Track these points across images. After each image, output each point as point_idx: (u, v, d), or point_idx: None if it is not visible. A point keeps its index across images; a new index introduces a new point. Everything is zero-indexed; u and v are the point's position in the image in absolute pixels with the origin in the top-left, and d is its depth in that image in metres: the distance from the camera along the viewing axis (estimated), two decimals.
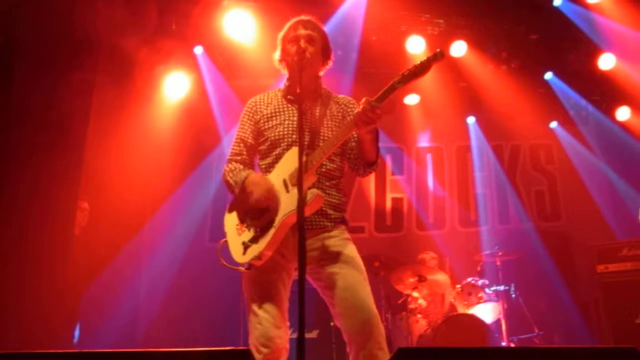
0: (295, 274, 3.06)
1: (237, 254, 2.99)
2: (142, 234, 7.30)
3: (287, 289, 3.02)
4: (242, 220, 3.05)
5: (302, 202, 2.54)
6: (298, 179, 2.59)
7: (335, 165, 3.15)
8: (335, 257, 3.00)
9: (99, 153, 5.73)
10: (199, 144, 7.89)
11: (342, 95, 3.36)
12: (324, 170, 3.09)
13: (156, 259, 7.45)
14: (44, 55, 4.61)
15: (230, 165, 3.21)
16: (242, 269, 2.96)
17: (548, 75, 8.08)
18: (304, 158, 2.75)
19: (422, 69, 2.79)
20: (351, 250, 3.06)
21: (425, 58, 2.81)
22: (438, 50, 2.80)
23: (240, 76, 7.50)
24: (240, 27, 6.52)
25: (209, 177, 8.03)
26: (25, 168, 4.41)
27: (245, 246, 2.96)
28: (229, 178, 3.15)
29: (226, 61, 7.34)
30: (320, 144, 3.01)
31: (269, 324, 2.90)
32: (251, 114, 3.28)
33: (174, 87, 7.26)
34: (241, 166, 3.18)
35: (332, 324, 5.43)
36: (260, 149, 3.23)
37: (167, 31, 6.43)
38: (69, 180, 4.70)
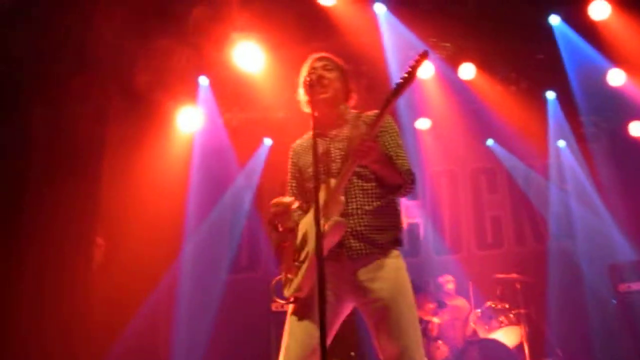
0: (349, 309, 3.08)
1: (285, 289, 3.02)
2: (158, 268, 7.29)
3: (328, 326, 2.90)
4: (289, 255, 3.09)
5: (319, 233, 2.52)
6: (315, 213, 2.58)
7: (374, 184, 3.08)
8: (382, 294, 2.92)
9: (114, 188, 5.77)
10: (215, 175, 7.91)
11: (371, 112, 3.26)
12: (362, 191, 3.05)
13: (173, 292, 7.43)
14: (59, 87, 4.67)
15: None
16: (286, 302, 3.01)
17: (550, 96, 8.07)
18: (332, 184, 2.88)
19: (411, 75, 2.80)
20: (401, 284, 2.97)
21: (412, 62, 2.82)
22: (423, 51, 2.83)
23: (252, 109, 7.55)
24: (251, 60, 6.58)
25: (225, 209, 8.05)
26: (42, 198, 4.44)
27: (289, 281, 3.00)
28: (269, 225, 3.19)
29: (238, 94, 7.40)
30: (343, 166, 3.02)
31: (295, 355, 2.88)
32: (291, 158, 3.37)
33: (187, 120, 7.30)
34: None
35: (352, 353, 5.36)
36: (308, 188, 3.22)
37: (178, 65, 6.49)
38: (87, 212, 4.73)
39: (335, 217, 2.84)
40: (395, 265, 3.01)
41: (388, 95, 2.85)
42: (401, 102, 7.69)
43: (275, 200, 3.07)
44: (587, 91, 7.78)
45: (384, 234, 3.04)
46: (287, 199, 3.07)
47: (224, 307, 7.23)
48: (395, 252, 3.06)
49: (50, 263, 4.30)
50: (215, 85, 7.27)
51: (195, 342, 7.22)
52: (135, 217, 6.26)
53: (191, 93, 7.11)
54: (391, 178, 3.02)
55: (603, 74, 7.51)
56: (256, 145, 8.04)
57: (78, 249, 4.53)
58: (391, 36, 6.79)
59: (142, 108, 6.32)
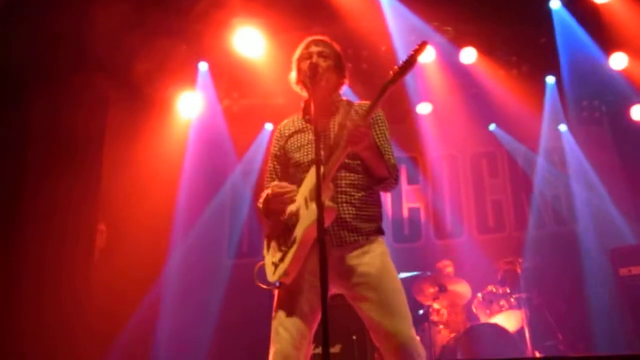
0: (334, 293, 3.08)
1: (269, 274, 3.02)
2: (160, 253, 7.31)
3: (314, 311, 2.97)
4: (273, 241, 3.08)
5: (321, 212, 2.53)
6: (316, 193, 2.59)
7: (361, 175, 3.11)
8: (369, 277, 2.96)
9: (115, 174, 5.77)
10: (215, 162, 7.91)
11: (363, 102, 3.32)
12: (348, 182, 3.08)
13: (175, 277, 7.46)
14: (58, 79, 4.66)
15: (262, 194, 3.26)
16: (271, 287, 3.00)
17: (550, 80, 8.06)
18: (323, 170, 2.80)
19: (409, 63, 2.83)
20: (386, 268, 3.02)
21: (411, 52, 2.83)
22: (422, 41, 2.85)
23: (252, 95, 7.53)
24: (251, 46, 6.54)
25: (226, 195, 8.06)
26: (42, 189, 4.44)
27: (275, 265, 2.99)
28: (259, 205, 3.20)
29: (238, 79, 7.37)
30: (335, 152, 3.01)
31: (287, 343, 2.88)
32: (276, 140, 3.35)
33: (187, 107, 7.28)
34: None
35: (354, 337, 5.38)
36: (289, 172, 3.24)
37: (177, 52, 6.46)
38: (88, 201, 4.74)
39: (328, 202, 2.83)
40: (379, 250, 3.06)
41: (384, 83, 2.86)
42: (402, 86, 7.69)
43: (277, 184, 3.07)
44: (588, 75, 7.76)
45: (368, 223, 3.08)
46: (289, 186, 3.05)
47: (226, 291, 7.26)
48: (379, 239, 3.11)
49: (51, 252, 4.32)
50: (215, 71, 7.24)
51: (198, 327, 7.26)
52: (136, 203, 6.27)
53: (191, 79, 7.09)
54: (378, 169, 3.05)
55: (605, 58, 7.47)
56: (256, 131, 8.03)
57: (79, 236, 4.55)
58: (393, 20, 6.75)
59: (142, 95, 6.31)
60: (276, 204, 3.04)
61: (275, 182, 3.12)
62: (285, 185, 3.06)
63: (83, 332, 4.69)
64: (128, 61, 5.39)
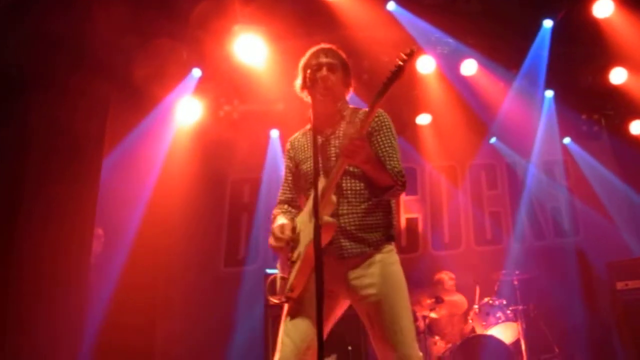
0: (345, 306, 3.11)
1: (279, 288, 3.05)
2: (157, 260, 7.29)
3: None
4: (283, 256, 3.09)
5: (317, 230, 2.54)
6: (314, 208, 2.60)
7: (364, 184, 3.08)
8: (375, 291, 2.95)
9: (113, 179, 5.76)
10: (213, 168, 7.90)
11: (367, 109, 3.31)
12: (352, 191, 3.06)
13: (172, 284, 7.44)
14: (57, 82, 4.66)
15: (275, 210, 3.32)
16: (279, 302, 3.02)
17: (549, 94, 8.09)
18: (324, 183, 2.85)
19: (397, 73, 2.80)
20: (394, 281, 3.00)
21: (399, 61, 2.80)
22: (410, 49, 2.82)
23: (253, 101, 7.54)
24: (251, 52, 6.56)
25: (223, 202, 8.05)
26: (40, 193, 4.44)
27: (284, 280, 3.02)
28: (272, 225, 3.23)
29: (238, 86, 7.37)
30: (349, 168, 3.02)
31: (290, 352, 2.90)
32: (288, 152, 3.39)
33: (187, 113, 7.28)
34: (280, 209, 3.30)
35: (349, 348, 5.37)
36: (302, 184, 3.26)
37: (178, 57, 6.47)
38: (85, 205, 4.73)
39: (325, 218, 2.82)
40: (387, 260, 3.04)
41: (376, 94, 2.84)
42: (402, 97, 7.71)
43: (279, 235, 3.04)
44: (588, 89, 7.80)
45: (375, 232, 3.06)
46: (288, 233, 3.03)
47: (221, 299, 7.24)
48: (387, 247, 3.08)
49: (48, 256, 4.31)
50: (215, 78, 7.23)
51: (195, 333, 7.23)
52: (134, 209, 6.26)
53: (191, 86, 7.08)
54: (381, 179, 3.02)
55: (605, 72, 7.51)
56: (257, 138, 8.02)
57: (76, 240, 4.54)
58: (395, 31, 6.75)
59: (142, 100, 6.32)
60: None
61: (278, 224, 3.10)
62: (286, 229, 3.04)
63: (78, 337, 4.67)
64: (128, 66, 5.40)
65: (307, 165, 3.19)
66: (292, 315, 2.99)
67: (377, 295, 2.93)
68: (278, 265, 3.16)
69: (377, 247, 3.04)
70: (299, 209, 3.27)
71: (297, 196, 3.32)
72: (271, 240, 3.05)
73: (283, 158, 3.42)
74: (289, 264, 2.99)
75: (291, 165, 3.34)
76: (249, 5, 5.99)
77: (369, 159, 2.92)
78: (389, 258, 3.05)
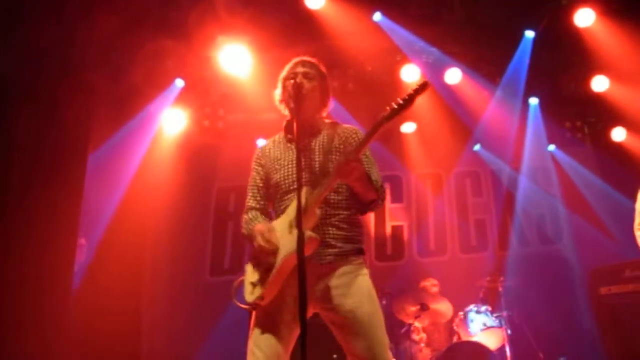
0: (311, 314, 3.04)
1: (247, 294, 3.00)
2: (142, 269, 7.26)
3: (292, 332, 2.97)
4: (255, 261, 3.06)
5: (301, 240, 2.54)
6: (297, 219, 2.60)
7: (342, 197, 3.10)
8: (346, 300, 2.95)
9: (97, 189, 5.74)
10: (198, 178, 7.89)
11: (346, 125, 3.32)
12: (332, 202, 3.06)
13: (157, 293, 7.41)
14: (42, 94, 4.65)
15: (245, 216, 3.25)
16: (247, 307, 2.98)
17: (534, 101, 8.18)
18: (308, 196, 2.82)
19: (408, 102, 2.79)
20: (364, 289, 3.01)
21: (411, 91, 2.80)
22: (423, 81, 2.82)
23: (238, 111, 7.55)
24: (236, 62, 6.57)
25: (208, 211, 8.03)
26: (23, 202, 4.41)
27: (253, 286, 2.98)
28: (244, 230, 3.20)
29: (223, 95, 7.38)
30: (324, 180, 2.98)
31: None
32: (258, 159, 3.34)
33: (172, 122, 7.28)
34: (255, 215, 3.21)
35: (335, 356, 5.37)
36: (271, 193, 3.23)
37: (162, 68, 6.47)
38: (69, 215, 4.71)
39: (309, 232, 2.82)
40: (358, 271, 3.05)
41: (380, 118, 2.82)
42: (386, 105, 7.73)
43: (265, 242, 2.95)
44: (571, 97, 7.89)
45: (349, 243, 3.07)
46: (274, 241, 2.95)
47: (207, 309, 7.21)
48: (358, 260, 3.10)
49: (31, 265, 4.29)
50: (200, 88, 7.24)
51: (180, 343, 7.20)
52: (118, 218, 6.24)
53: (174, 96, 7.08)
54: (367, 195, 3.05)
55: (586, 80, 7.61)
56: (242, 147, 8.00)
57: (59, 250, 4.52)
58: (379, 40, 6.80)
59: (127, 110, 6.31)
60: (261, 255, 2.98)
61: (261, 226, 3.01)
62: (272, 239, 2.95)
63: (62, 348, 4.64)
64: (113, 76, 5.40)
65: (280, 175, 3.16)
66: (261, 325, 2.97)
67: (350, 305, 2.93)
68: (246, 267, 3.11)
69: (349, 258, 3.05)
70: (269, 217, 3.25)
71: (266, 203, 3.28)
72: (260, 240, 2.92)
73: (252, 165, 3.35)
74: (260, 269, 2.96)
75: (262, 172, 3.30)
76: (233, 16, 6.00)
77: (361, 177, 2.93)
78: (361, 270, 3.07)
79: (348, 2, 6.19)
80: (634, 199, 5.33)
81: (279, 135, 3.36)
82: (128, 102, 6.06)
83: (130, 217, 6.45)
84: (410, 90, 2.81)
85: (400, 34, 6.76)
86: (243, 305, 2.99)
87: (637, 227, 5.21)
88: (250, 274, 3.04)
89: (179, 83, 6.98)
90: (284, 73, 3.32)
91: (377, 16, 6.58)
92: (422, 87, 2.80)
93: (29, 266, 4.33)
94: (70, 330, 4.76)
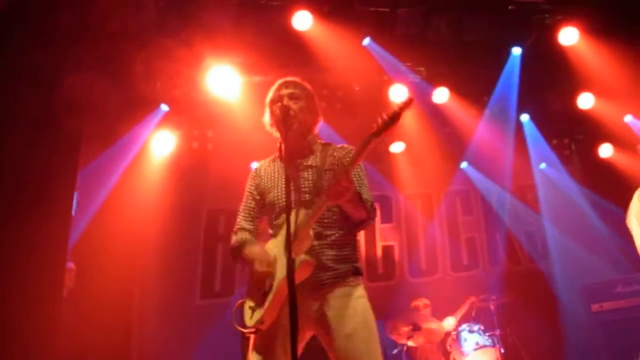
0: (308, 338, 3.06)
1: (247, 318, 2.98)
2: (131, 293, 7.18)
3: (288, 354, 2.94)
4: (252, 285, 3.03)
5: (291, 266, 2.52)
6: (286, 243, 2.57)
7: (337, 217, 3.09)
8: (342, 325, 2.92)
9: (85, 212, 5.69)
10: (187, 201, 7.84)
11: (340, 145, 3.32)
12: (326, 223, 3.05)
13: (147, 317, 7.32)
14: (30, 118, 4.62)
15: (235, 237, 3.23)
16: (247, 332, 2.96)
17: (524, 118, 8.24)
18: (301, 217, 2.82)
19: (394, 118, 2.78)
20: (360, 314, 2.97)
21: (396, 108, 2.79)
22: (408, 97, 2.82)
23: (227, 132, 7.54)
24: (224, 85, 6.58)
25: (198, 233, 7.98)
26: (9, 228, 4.36)
27: (252, 310, 2.96)
28: (234, 252, 3.17)
29: (211, 118, 7.37)
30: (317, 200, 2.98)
31: None
32: (252, 179, 3.35)
33: (160, 145, 7.26)
34: (245, 236, 3.19)
35: None
36: (267, 210, 3.23)
37: (150, 91, 6.47)
38: (56, 240, 4.65)
39: (302, 256, 2.81)
40: (355, 294, 3.02)
41: (368, 136, 2.81)
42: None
43: (261, 266, 2.95)
44: (557, 114, 7.95)
45: (345, 264, 3.05)
46: (269, 265, 2.95)
47: (197, 332, 7.13)
48: (356, 281, 3.07)
49: (16, 291, 4.22)
50: (188, 110, 7.23)
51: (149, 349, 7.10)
52: (107, 243, 6.18)
53: (163, 118, 7.07)
54: (357, 214, 3.03)
55: (573, 98, 7.68)
56: (232, 169, 7.98)
57: (46, 275, 4.45)
58: (367, 60, 6.83)
59: (115, 134, 6.29)
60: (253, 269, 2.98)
61: (258, 250, 3.02)
62: (269, 262, 2.96)
63: None
64: (101, 100, 5.38)
65: (274, 194, 3.17)
66: (260, 350, 2.95)
67: (347, 329, 2.90)
68: (245, 291, 3.09)
69: (346, 279, 3.03)
70: (259, 238, 3.23)
71: (257, 225, 3.27)
72: (257, 266, 2.93)
73: (247, 184, 3.36)
74: (258, 293, 2.94)
75: (255, 192, 3.30)
76: (223, 38, 6.02)
77: (353, 198, 2.91)
78: (358, 292, 3.04)
79: (335, 22, 6.21)
80: (624, 209, 5.24)
81: (275, 155, 3.35)
82: (116, 127, 6.04)
83: (119, 239, 6.39)
84: (395, 107, 2.80)
85: (386, 56, 6.79)
86: (243, 329, 2.97)
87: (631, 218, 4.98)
88: (249, 298, 3.02)
89: (164, 107, 6.98)
90: (269, 96, 3.31)
91: (367, 41, 6.62)
92: (406, 104, 2.79)
93: (15, 291, 4.27)
94: (56, 357, 4.68)
